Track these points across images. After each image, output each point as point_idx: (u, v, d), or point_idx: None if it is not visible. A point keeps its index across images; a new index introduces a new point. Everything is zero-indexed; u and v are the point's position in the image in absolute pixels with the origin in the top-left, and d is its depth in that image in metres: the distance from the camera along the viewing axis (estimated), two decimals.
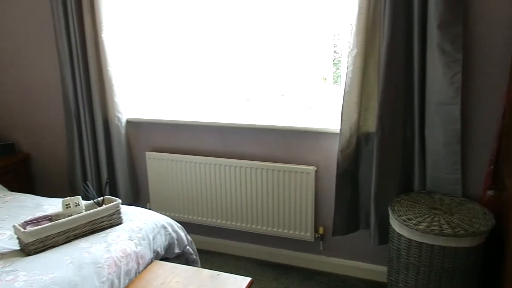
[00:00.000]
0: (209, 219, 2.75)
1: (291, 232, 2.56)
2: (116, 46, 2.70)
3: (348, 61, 2.13)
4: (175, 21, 2.74)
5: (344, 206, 2.32)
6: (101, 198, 2.03)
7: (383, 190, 2.19)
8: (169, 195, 2.81)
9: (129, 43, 2.79)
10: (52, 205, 2.21)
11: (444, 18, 1.89)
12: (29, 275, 1.57)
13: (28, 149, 3.29)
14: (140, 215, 2.08)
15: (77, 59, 2.74)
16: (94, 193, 2.02)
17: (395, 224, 1.99)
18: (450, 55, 1.93)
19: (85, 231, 1.87)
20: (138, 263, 1.83)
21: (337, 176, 2.28)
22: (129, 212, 2.09)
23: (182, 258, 2.18)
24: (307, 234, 2.52)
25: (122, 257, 1.76)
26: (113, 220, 1.95)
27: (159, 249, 1.98)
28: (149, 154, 2.81)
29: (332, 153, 2.38)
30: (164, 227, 2.06)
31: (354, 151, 2.26)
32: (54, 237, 1.78)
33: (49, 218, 1.86)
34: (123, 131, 2.82)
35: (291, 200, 2.50)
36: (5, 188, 2.60)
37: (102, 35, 2.64)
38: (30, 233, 1.71)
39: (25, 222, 1.81)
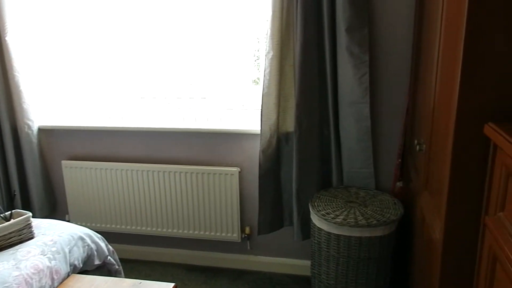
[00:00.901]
0: (133, 227, 2.67)
1: (218, 234, 2.56)
2: (23, 49, 2.53)
3: (265, 64, 2.18)
4: (89, 22, 2.62)
5: (268, 205, 2.38)
6: (9, 212, 1.88)
7: (304, 187, 2.27)
8: (90, 205, 2.68)
9: (37, 46, 2.62)
10: None
11: (351, 22, 2.01)
12: None
13: None
14: (54, 228, 1.96)
15: None
16: (1, 207, 1.87)
17: (315, 219, 2.07)
18: (358, 57, 2.06)
19: None
20: (52, 279, 1.73)
21: (260, 176, 2.33)
22: (42, 226, 1.96)
23: (104, 270, 2.09)
24: (234, 235, 2.54)
25: (33, 273, 1.65)
26: (23, 235, 1.82)
27: (76, 262, 1.88)
28: (65, 163, 2.66)
29: (254, 154, 2.42)
30: (82, 239, 1.96)
31: (275, 151, 2.32)
32: None
33: None
34: (34, 139, 2.64)
35: (217, 202, 2.50)
36: None
37: (6, 38, 2.45)
38: None
39: None
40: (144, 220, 2.63)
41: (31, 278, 1.63)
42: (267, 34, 2.14)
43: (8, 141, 2.61)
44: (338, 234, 1.98)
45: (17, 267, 1.64)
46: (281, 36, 2.14)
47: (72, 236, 1.93)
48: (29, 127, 2.61)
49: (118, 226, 2.68)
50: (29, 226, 1.85)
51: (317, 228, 2.07)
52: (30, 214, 1.87)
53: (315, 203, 2.12)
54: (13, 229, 1.79)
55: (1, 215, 1.86)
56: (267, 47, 2.15)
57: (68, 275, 1.83)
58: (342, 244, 1.98)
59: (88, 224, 2.66)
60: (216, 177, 2.46)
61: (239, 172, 2.46)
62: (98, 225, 2.69)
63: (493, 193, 1.12)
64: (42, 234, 1.89)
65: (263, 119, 2.25)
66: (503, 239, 1.03)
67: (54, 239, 1.86)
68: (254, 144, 2.42)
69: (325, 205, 2.10)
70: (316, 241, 2.10)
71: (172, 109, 2.64)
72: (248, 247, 2.62)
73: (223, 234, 2.55)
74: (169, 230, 2.62)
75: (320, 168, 2.30)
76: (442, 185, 1.34)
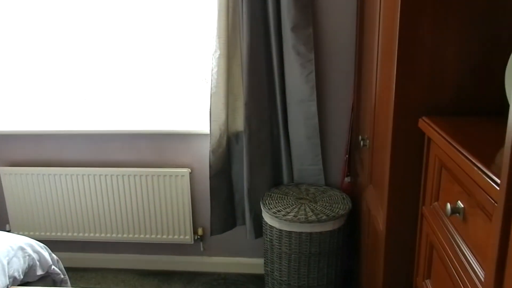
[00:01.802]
0: (80, 234, 2.56)
1: (170, 237, 2.51)
2: None
3: (212, 63, 2.17)
4: (28, 23, 2.48)
5: (220, 205, 2.36)
6: None
7: (255, 186, 2.28)
8: (32, 213, 2.55)
9: None
10: None
11: (296, 21, 2.04)
12: None
13: None
14: None
15: None
16: None
17: (267, 217, 2.09)
18: (304, 55, 2.09)
19: None
20: None
21: (211, 176, 2.31)
22: None
23: (48, 280, 1.98)
24: (187, 237, 2.51)
25: None
26: None
27: (16, 274, 1.77)
28: (4, 170, 2.51)
29: (205, 154, 2.40)
30: (22, 249, 1.85)
31: (225, 150, 2.31)
32: None
33: None
34: None
35: (168, 205, 2.46)
36: None
37: None
38: None
39: None
40: (92, 226, 2.54)
41: None
42: (214, 33, 2.13)
43: None
44: (289, 231, 2.00)
45: None
46: (227, 36, 2.13)
47: (11, 246, 1.82)
48: None
49: (64, 234, 2.57)
50: None
51: (269, 226, 2.09)
52: None
53: (267, 201, 2.13)
54: None
55: None
56: (214, 46, 2.14)
57: None
58: (294, 240, 2.01)
59: (32, 233, 2.53)
60: (167, 178, 2.41)
61: (190, 173, 2.43)
62: (43, 233, 2.56)
63: (429, 184, 1.17)
64: None
65: (212, 119, 2.24)
66: (437, 227, 1.08)
67: None
68: (204, 144, 2.40)
69: (276, 202, 2.12)
70: (268, 239, 2.12)
71: (118, 110, 2.56)
72: (202, 249, 2.60)
73: (176, 237, 2.51)
74: (119, 235, 2.54)
75: (270, 167, 2.32)
76: (383, 178, 1.39)
